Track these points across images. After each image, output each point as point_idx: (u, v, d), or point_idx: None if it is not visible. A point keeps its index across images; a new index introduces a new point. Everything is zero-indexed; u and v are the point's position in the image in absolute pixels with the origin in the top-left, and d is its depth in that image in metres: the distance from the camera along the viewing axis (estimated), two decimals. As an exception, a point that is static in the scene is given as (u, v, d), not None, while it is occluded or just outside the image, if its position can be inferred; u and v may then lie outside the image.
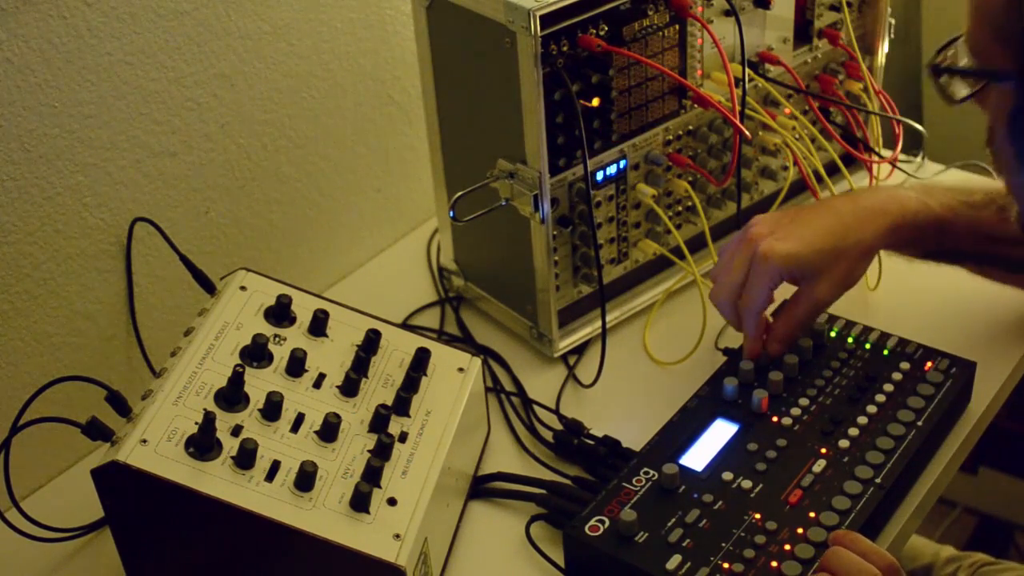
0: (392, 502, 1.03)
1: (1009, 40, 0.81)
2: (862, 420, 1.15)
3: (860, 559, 0.97)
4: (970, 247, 1.23)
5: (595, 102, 1.25)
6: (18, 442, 1.10)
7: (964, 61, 0.91)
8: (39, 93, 1.16)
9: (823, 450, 1.12)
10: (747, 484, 1.09)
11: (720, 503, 1.08)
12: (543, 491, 1.17)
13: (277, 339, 1.13)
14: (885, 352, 1.22)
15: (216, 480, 1.00)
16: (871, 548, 0.98)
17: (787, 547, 1.03)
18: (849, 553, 0.97)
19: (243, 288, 1.16)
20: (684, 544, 1.04)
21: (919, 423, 1.14)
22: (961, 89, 0.92)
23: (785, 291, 1.22)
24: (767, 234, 1.18)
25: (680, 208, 1.40)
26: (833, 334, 1.25)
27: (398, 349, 1.17)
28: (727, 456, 1.12)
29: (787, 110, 1.41)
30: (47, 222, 1.21)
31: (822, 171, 1.38)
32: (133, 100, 1.24)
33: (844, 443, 1.12)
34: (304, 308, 1.16)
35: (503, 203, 1.27)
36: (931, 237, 1.22)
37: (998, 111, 0.89)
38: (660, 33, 1.28)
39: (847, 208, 1.20)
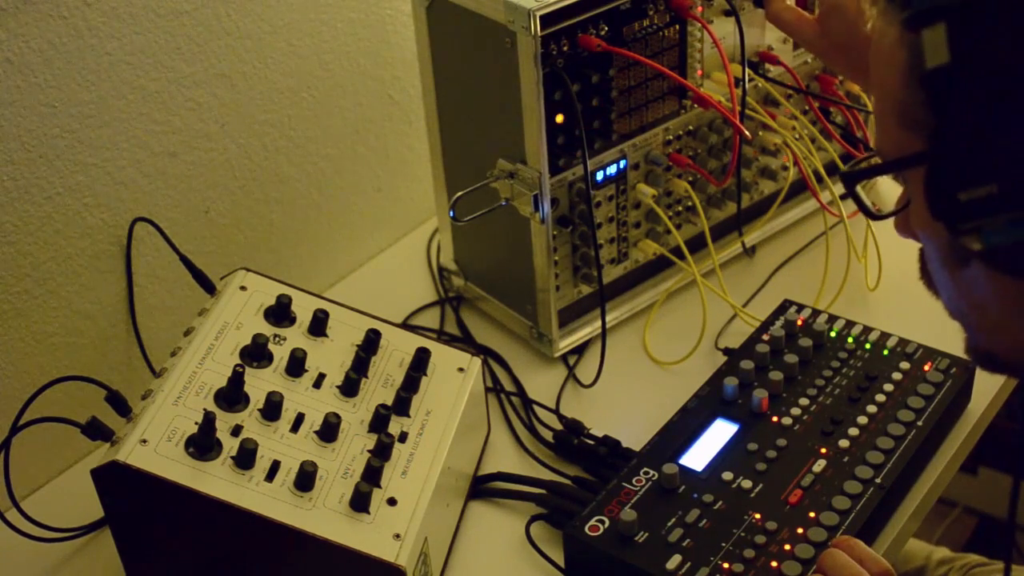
0: (392, 502, 1.03)
1: (912, 121, 0.76)
2: (862, 420, 1.15)
3: (855, 563, 0.97)
4: None
5: (595, 102, 1.25)
6: (18, 442, 1.10)
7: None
8: (39, 93, 1.16)
9: (823, 450, 1.12)
10: (747, 484, 1.09)
11: (720, 503, 1.08)
12: (543, 491, 1.17)
13: (277, 339, 1.13)
14: (885, 352, 1.22)
15: (216, 480, 1.00)
16: (868, 554, 0.98)
17: (787, 547, 1.03)
18: (844, 556, 0.97)
19: (243, 288, 1.16)
20: (684, 544, 1.04)
21: (919, 423, 1.14)
22: (886, 206, 0.88)
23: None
24: None
25: (680, 208, 1.40)
26: (833, 334, 1.25)
27: (398, 349, 1.17)
28: (727, 456, 1.12)
29: (787, 110, 1.41)
30: (47, 222, 1.21)
31: (822, 171, 1.38)
32: (133, 100, 1.24)
33: (844, 443, 1.12)
34: (304, 308, 1.16)
35: (503, 203, 1.27)
36: None
37: (918, 215, 0.81)
38: (660, 33, 1.28)
39: None
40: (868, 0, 1.15)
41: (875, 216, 0.88)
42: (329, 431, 1.06)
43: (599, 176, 1.30)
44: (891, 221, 0.88)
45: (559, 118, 1.22)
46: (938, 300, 0.87)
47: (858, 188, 0.87)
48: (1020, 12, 0.69)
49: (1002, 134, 0.71)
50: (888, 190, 1.53)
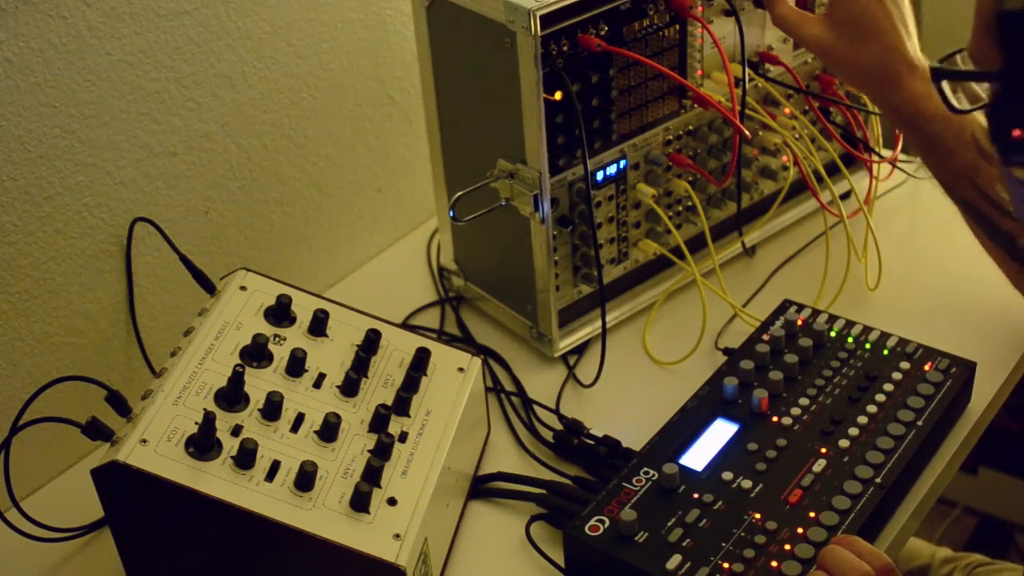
0: (392, 502, 1.03)
1: (995, 38, 0.80)
2: (862, 420, 1.15)
3: (855, 558, 0.97)
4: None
5: (595, 102, 1.25)
6: (18, 442, 1.10)
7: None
8: (39, 93, 1.16)
9: (823, 450, 1.12)
10: (747, 484, 1.09)
11: (720, 503, 1.08)
12: (543, 491, 1.17)
13: (277, 339, 1.13)
14: (885, 352, 1.22)
15: (216, 480, 1.00)
16: (868, 549, 0.98)
17: (787, 547, 1.03)
18: (845, 551, 0.98)
19: (243, 288, 1.16)
20: (684, 544, 1.04)
21: (919, 423, 1.14)
22: (963, 101, 0.92)
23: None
24: None
25: (680, 208, 1.40)
26: (833, 334, 1.25)
27: (398, 349, 1.17)
28: (727, 456, 1.12)
29: (787, 110, 1.41)
30: (47, 222, 1.21)
31: (822, 171, 1.38)
32: (133, 100, 1.24)
33: (844, 443, 1.12)
34: (304, 308, 1.16)
35: (503, 203, 1.27)
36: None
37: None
38: (660, 33, 1.28)
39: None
40: None
41: (957, 110, 0.90)
42: (329, 431, 1.06)
43: (599, 176, 1.30)
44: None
45: (559, 118, 1.22)
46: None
47: (944, 84, 0.90)
48: None
49: None
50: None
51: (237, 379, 1.05)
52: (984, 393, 1.23)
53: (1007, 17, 0.77)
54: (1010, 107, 0.79)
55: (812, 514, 1.06)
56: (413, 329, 1.28)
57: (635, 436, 1.19)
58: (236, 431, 1.04)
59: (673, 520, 1.06)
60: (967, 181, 1.20)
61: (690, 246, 1.36)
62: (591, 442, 1.21)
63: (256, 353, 1.10)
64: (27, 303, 1.21)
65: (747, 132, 1.33)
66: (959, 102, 0.90)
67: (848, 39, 1.21)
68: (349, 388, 1.11)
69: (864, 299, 1.38)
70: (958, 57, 0.91)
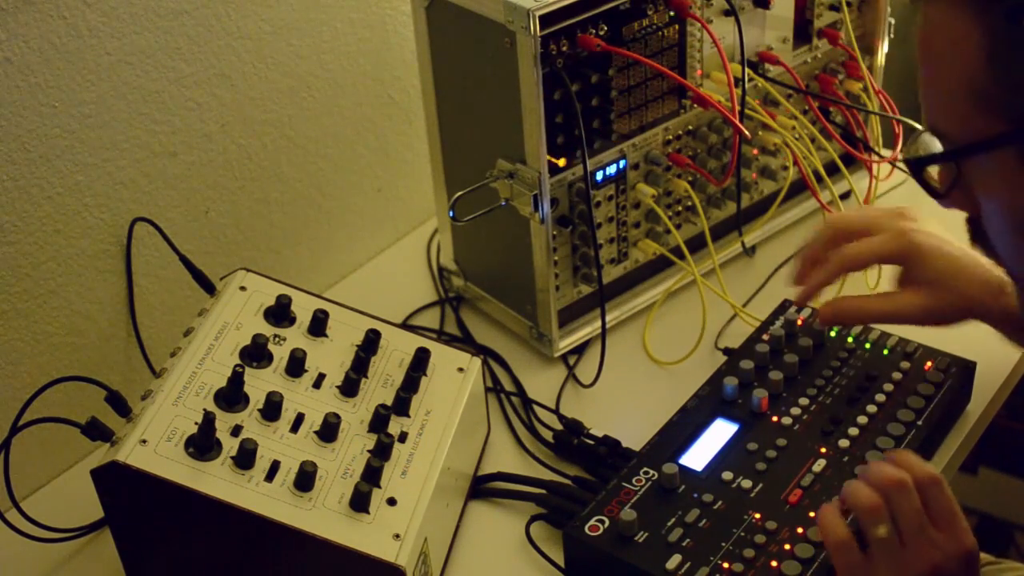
0: (392, 502, 1.03)
1: (993, 104, 0.76)
2: (862, 420, 1.15)
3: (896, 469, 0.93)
4: None
5: (595, 102, 1.25)
6: (18, 442, 1.10)
7: (937, 148, 0.85)
8: (39, 93, 1.16)
9: (823, 450, 1.12)
10: (747, 484, 1.09)
11: (720, 503, 1.08)
12: (543, 491, 1.17)
13: (277, 339, 1.13)
14: (885, 352, 1.22)
15: (216, 480, 1.00)
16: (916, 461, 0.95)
17: (787, 547, 1.03)
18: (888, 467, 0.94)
19: (243, 288, 1.16)
20: (684, 544, 1.04)
21: (919, 423, 1.14)
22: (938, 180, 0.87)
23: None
24: (928, 232, 1.14)
25: (680, 208, 1.40)
26: (833, 334, 1.25)
27: (398, 349, 1.17)
28: (727, 456, 1.12)
29: (787, 110, 1.41)
30: (47, 222, 1.21)
31: (822, 171, 1.38)
32: (133, 100, 1.24)
33: (844, 443, 1.12)
34: (304, 308, 1.16)
35: (503, 203, 1.27)
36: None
37: (988, 188, 0.82)
38: (660, 33, 1.28)
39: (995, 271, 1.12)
40: None
41: (941, 195, 0.86)
42: (329, 431, 1.06)
43: (599, 176, 1.30)
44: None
45: (559, 118, 1.22)
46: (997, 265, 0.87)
47: (924, 174, 0.87)
48: None
49: None
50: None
51: (237, 379, 1.05)
52: (984, 393, 1.23)
53: None
54: None
55: (812, 514, 1.06)
56: (413, 329, 1.28)
57: (635, 436, 1.19)
58: (236, 431, 1.04)
59: (673, 520, 1.06)
60: None
61: (690, 246, 1.36)
62: (591, 442, 1.21)
63: (256, 353, 1.10)
64: (27, 303, 1.21)
65: (747, 132, 1.33)
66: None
67: (944, 290, 1.13)
68: (349, 388, 1.11)
69: (864, 299, 1.38)
70: (919, 143, 0.86)
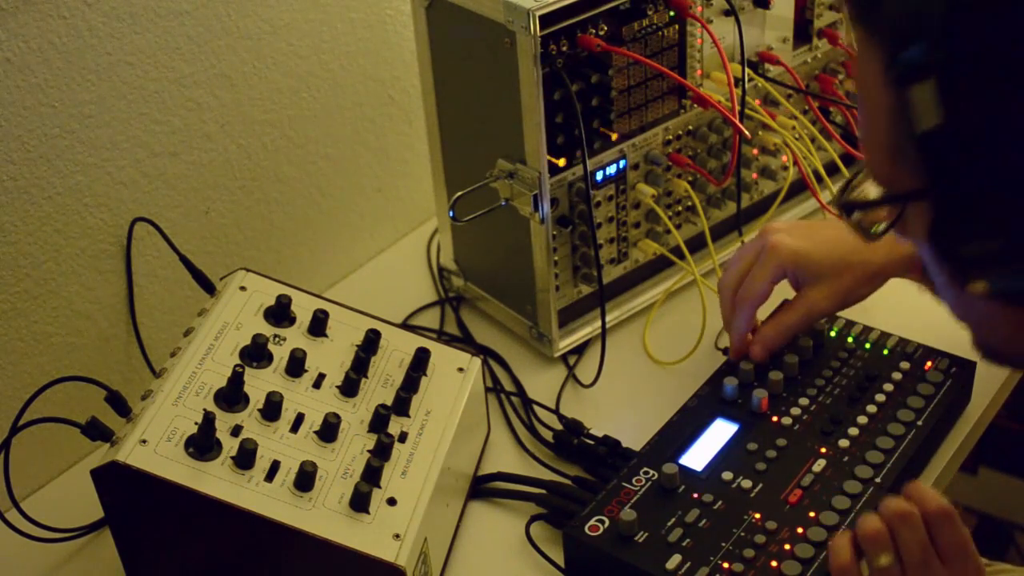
0: (392, 502, 1.03)
1: (906, 159, 0.72)
2: (862, 420, 1.15)
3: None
4: None
5: (595, 102, 1.25)
6: (18, 442, 1.10)
7: (873, 193, 0.82)
8: (39, 93, 1.16)
9: (823, 450, 1.12)
10: (747, 484, 1.09)
11: (720, 503, 1.08)
12: (543, 491, 1.17)
13: (277, 339, 1.13)
14: (885, 352, 1.22)
15: (216, 480, 1.00)
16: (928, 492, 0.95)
17: (787, 547, 1.03)
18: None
19: (243, 288, 1.16)
20: (684, 544, 1.04)
21: (919, 423, 1.14)
22: (880, 223, 0.84)
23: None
24: (782, 230, 1.20)
25: (680, 208, 1.40)
26: (833, 334, 1.25)
27: (398, 349, 1.17)
28: (727, 456, 1.12)
29: (787, 110, 1.41)
30: (47, 222, 1.21)
31: (822, 171, 1.38)
32: (133, 100, 1.24)
33: (844, 443, 1.12)
34: (304, 308, 1.16)
35: (503, 203, 1.27)
36: None
37: (916, 237, 0.79)
38: (660, 33, 1.28)
39: None
40: (846, 16, 1.10)
41: (874, 238, 0.84)
42: (329, 431, 1.06)
43: (599, 176, 1.30)
44: None
45: (559, 118, 1.22)
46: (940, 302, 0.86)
47: (855, 214, 0.84)
48: (1010, 67, 0.65)
49: (1006, 191, 0.68)
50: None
51: (237, 379, 1.05)
52: (984, 393, 1.23)
53: (924, 137, 0.68)
54: (950, 226, 0.71)
55: (812, 514, 1.06)
56: (413, 329, 1.28)
57: (635, 436, 1.19)
58: (236, 431, 1.04)
59: (673, 520, 1.06)
60: None
61: (690, 246, 1.36)
62: (591, 442, 1.21)
63: (256, 353, 1.10)
64: (27, 303, 1.21)
65: (747, 132, 1.33)
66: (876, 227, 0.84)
67: (839, 272, 1.18)
68: (349, 388, 1.11)
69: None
70: (858, 183, 0.84)
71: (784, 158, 1.45)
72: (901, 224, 0.80)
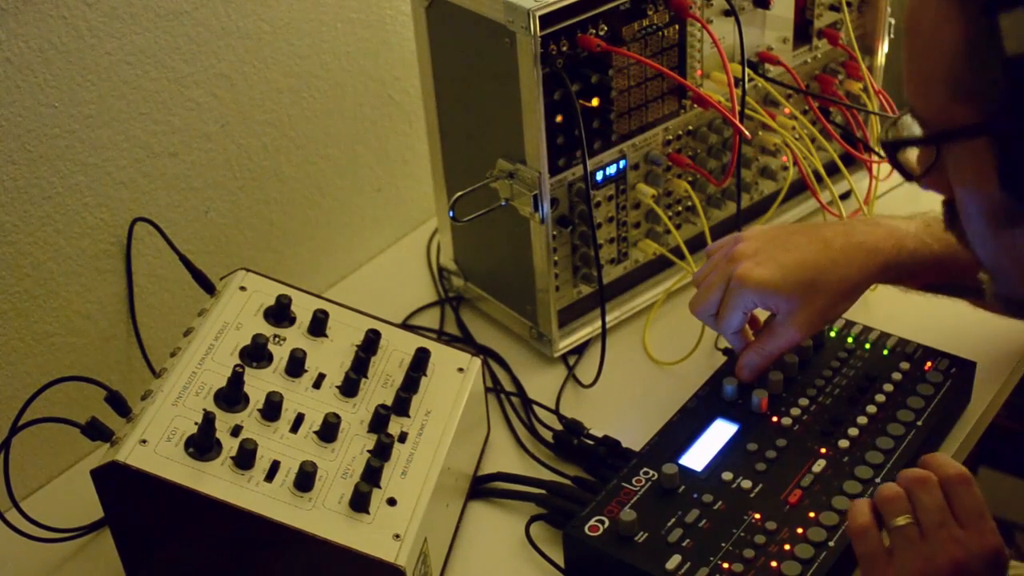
0: (392, 502, 1.03)
1: (969, 93, 0.76)
2: (862, 420, 1.15)
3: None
4: (973, 283, 1.13)
5: (595, 102, 1.25)
6: (18, 442, 1.10)
7: (917, 131, 0.85)
8: (39, 93, 1.16)
9: (823, 450, 1.12)
10: (747, 484, 1.09)
11: (720, 503, 1.08)
12: (543, 491, 1.17)
13: (277, 339, 1.13)
14: (885, 352, 1.22)
15: (216, 480, 1.00)
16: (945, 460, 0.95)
17: (787, 547, 1.03)
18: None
19: (243, 288, 1.16)
20: (684, 544, 1.04)
21: (919, 423, 1.14)
22: (916, 163, 0.87)
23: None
24: (749, 255, 1.15)
25: (680, 208, 1.40)
26: (833, 334, 1.25)
27: (398, 349, 1.17)
28: (727, 456, 1.12)
29: (787, 110, 1.41)
30: (47, 222, 1.21)
31: (822, 171, 1.38)
32: (133, 100, 1.24)
33: (844, 443, 1.12)
34: (304, 308, 1.16)
35: (503, 203, 1.27)
36: (929, 273, 1.18)
37: (962, 176, 0.82)
38: (660, 33, 1.28)
39: (839, 241, 1.15)
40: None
41: (914, 178, 0.86)
42: (329, 431, 1.06)
43: (599, 176, 1.30)
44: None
45: (559, 118, 1.22)
46: (966, 251, 0.87)
47: (898, 155, 0.86)
48: None
49: None
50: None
51: (237, 379, 1.05)
52: (984, 393, 1.23)
53: (1012, 61, 0.72)
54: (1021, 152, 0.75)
55: (812, 514, 1.06)
56: (413, 329, 1.28)
57: (635, 436, 1.19)
58: (236, 431, 1.04)
59: (673, 520, 1.06)
60: None
61: (690, 246, 1.36)
62: (591, 442, 1.21)
63: (256, 353, 1.10)
64: (27, 303, 1.21)
65: (747, 132, 1.33)
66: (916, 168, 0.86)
67: (812, 295, 1.14)
68: (349, 388, 1.11)
69: (864, 299, 1.37)
70: (900, 125, 0.86)
71: (784, 158, 1.45)
72: (938, 168, 0.82)
